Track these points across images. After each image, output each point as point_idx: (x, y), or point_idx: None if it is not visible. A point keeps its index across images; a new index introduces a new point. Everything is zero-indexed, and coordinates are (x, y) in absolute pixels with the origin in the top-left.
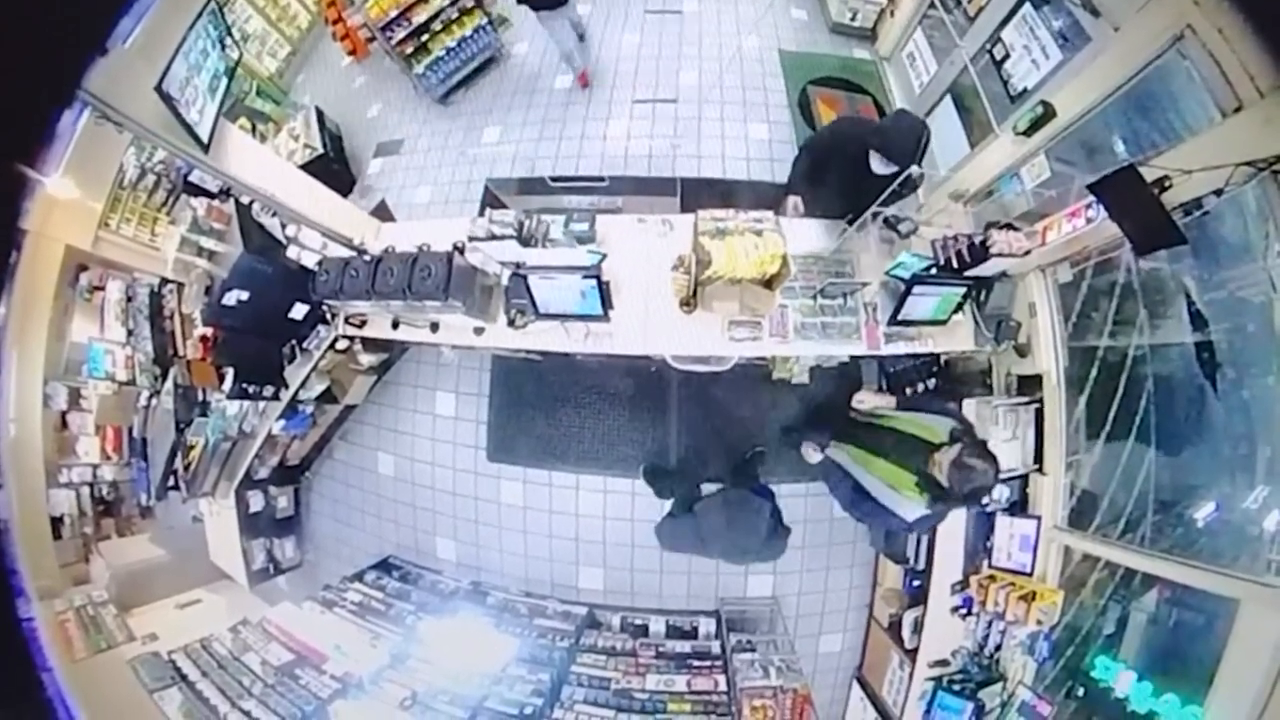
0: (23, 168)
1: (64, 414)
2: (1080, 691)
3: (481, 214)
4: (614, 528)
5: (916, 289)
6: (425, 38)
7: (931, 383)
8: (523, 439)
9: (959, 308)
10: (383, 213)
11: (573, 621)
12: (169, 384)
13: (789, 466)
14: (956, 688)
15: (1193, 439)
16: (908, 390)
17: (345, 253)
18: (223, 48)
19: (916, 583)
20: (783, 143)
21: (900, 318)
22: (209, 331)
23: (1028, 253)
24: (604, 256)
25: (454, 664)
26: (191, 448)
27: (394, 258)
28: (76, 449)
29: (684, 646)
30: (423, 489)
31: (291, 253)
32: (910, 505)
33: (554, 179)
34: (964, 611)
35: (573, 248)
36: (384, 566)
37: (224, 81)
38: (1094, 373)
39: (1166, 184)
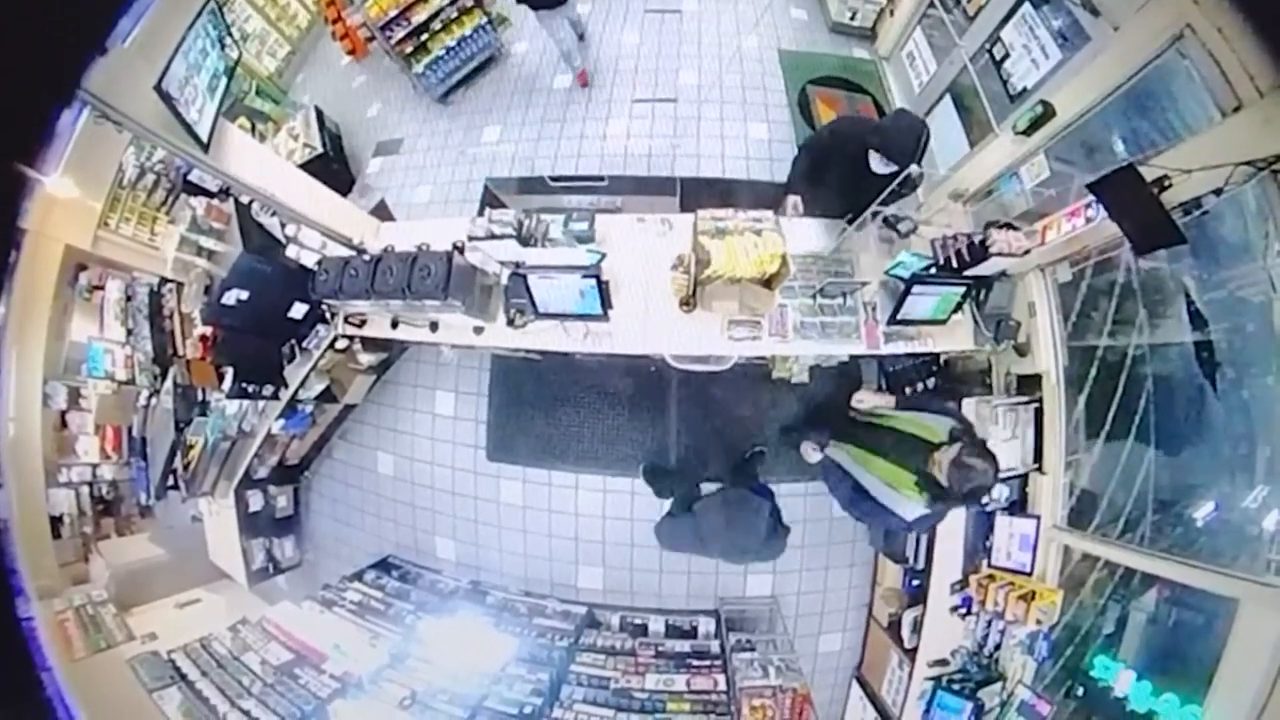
0: (22, 167)
1: (63, 413)
2: (1080, 691)
3: (481, 213)
4: (613, 527)
5: (916, 288)
6: (425, 37)
7: (931, 382)
8: (522, 438)
9: (958, 307)
10: (382, 212)
11: (572, 621)
12: (168, 383)
13: (789, 466)
14: (956, 687)
15: (1192, 438)
16: (907, 390)
17: (345, 252)
18: (222, 47)
19: (916, 582)
20: (782, 142)
21: (900, 317)
22: (208, 331)
23: (1027, 252)
24: (603, 256)
25: (453, 663)
26: (191, 447)
27: (393, 257)
28: (76, 448)
29: (683, 646)
30: (422, 488)
31: (291, 252)
32: (910, 504)
33: (553, 178)
34: (963, 611)
35: (572, 247)
36: (383, 566)
37: (223, 81)
38: (1093, 372)
39: (1166, 183)
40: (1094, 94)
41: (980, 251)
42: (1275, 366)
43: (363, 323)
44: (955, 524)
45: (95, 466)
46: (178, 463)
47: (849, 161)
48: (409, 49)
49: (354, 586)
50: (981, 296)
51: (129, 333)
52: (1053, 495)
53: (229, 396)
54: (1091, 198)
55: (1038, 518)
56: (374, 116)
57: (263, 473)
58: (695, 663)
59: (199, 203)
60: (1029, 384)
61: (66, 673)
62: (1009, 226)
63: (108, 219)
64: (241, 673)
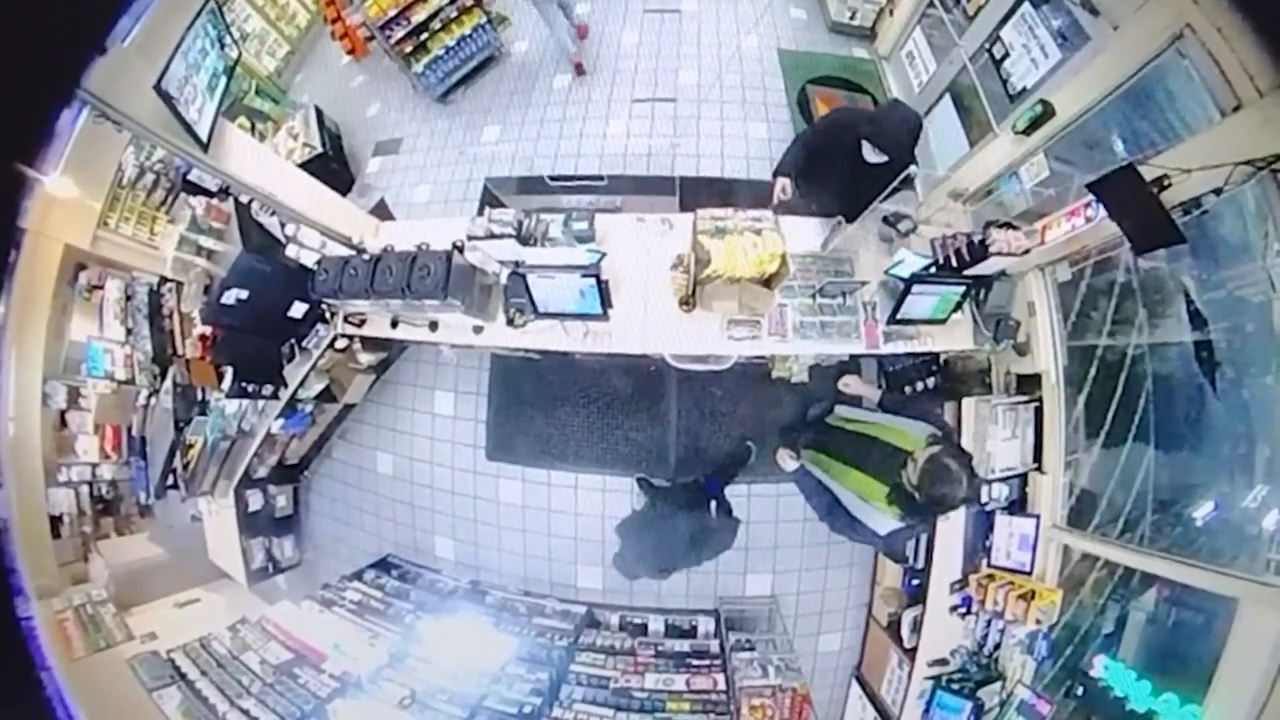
0: (22, 166)
1: (63, 413)
2: (1079, 690)
3: (480, 213)
4: (613, 527)
5: (915, 288)
6: (424, 36)
7: (930, 382)
8: (521, 438)
9: (958, 307)
10: (382, 211)
11: (571, 620)
12: (168, 383)
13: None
14: (955, 687)
15: (1192, 438)
16: (906, 389)
17: (344, 251)
18: (221, 46)
19: (915, 582)
20: (782, 142)
21: (899, 316)
22: (208, 330)
23: (1027, 252)
24: (603, 255)
25: (453, 663)
26: (190, 446)
27: (393, 256)
28: (75, 448)
29: (683, 645)
30: (421, 488)
31: (290, 251)
32: (882, 518)
33: (553, 178)
34: (963, 610)
35: (572, 247)
36: (383, 565)
37: (223, 80)
38: (1093, 372)
39: (1165, 183)
40: (1094, 93)
41: (980, 251)
42: (1275, 366)
43: (362, 322)
44: (955, 524)
45: (95, 466)
46: (177, 462)
47: (843, 152)
48: (408, 48)
49: (353, 586)
50: (981, 296)
51: (128, 332)
52: (1052, 495)
53: (228, 396)
54: (1091, 197)
55: (1037, 517)
56: (373, 116)
57: (262, 472)
58: (695, 662)
59: (198, 202)
60: (1028, 383)
61: (66, 672)
62: (1009, 226)
63: (107, 218)
64: (241, 672)
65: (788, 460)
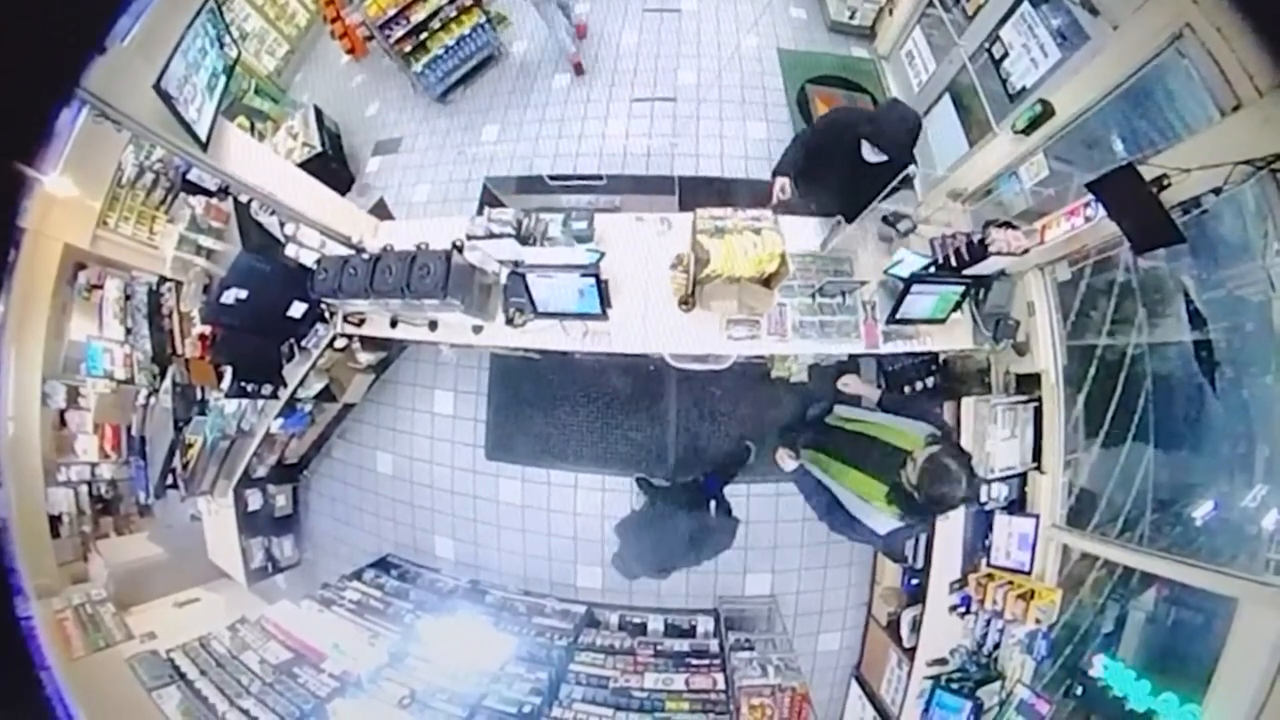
0: (21, 166)
1: (62, 412)
2: (1078, 690)
3: (480, 212)
4: (612, 526)
5: (915, 287)
6: (424, 36)
7: (930, 381)
8: (521, 437)
9: (957, 306)
10: (381, 211)
11: (571, 620)
12: (167, 382)
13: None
14: (955, 686)
15: (1191, 438)
16: (905, 389)
17: (344, 251)
18: (221, 46)
19: (915, 581)
20: (781, 142)
21: (899, 316)
22: (207, 330)
23: (1026, 251)
24: (602, 255)
25: (452, 662)
26: (190, 446)
27: (392, 256)
28: (75, 447)
29: (682, 645)
30: (421, 487)
31: (290, 251)
32: (881, 518)
33: (552, 177)
34: (962, 610)
35: (571, 246)
36: (382, 565)
37: (222, 80)
38: (1093, 371)
39: (1165, 182)
40: (1093, 93)
41: (979, 250)
42: (1274, 365)
43: (362, 321)
44: (954, 523)
45: (94, 465)
46: (177, 462)
47: (843, 152)
48: (408, 48)
49: (353, 585)
50: (980, 295)
51: (128, 331)
52: (1052, 494)
53: (228, 395)
54: (1090, 197)
55: (1037, 517)
56: (373, 115)
57: (262, 472)
58: (694, 662)
59: (198, 201)
60: (1028, 383)
61: (65, 672)
62: (1008, 225)
63: (107, 218)
64: (240, 672)
65: (787, 460)
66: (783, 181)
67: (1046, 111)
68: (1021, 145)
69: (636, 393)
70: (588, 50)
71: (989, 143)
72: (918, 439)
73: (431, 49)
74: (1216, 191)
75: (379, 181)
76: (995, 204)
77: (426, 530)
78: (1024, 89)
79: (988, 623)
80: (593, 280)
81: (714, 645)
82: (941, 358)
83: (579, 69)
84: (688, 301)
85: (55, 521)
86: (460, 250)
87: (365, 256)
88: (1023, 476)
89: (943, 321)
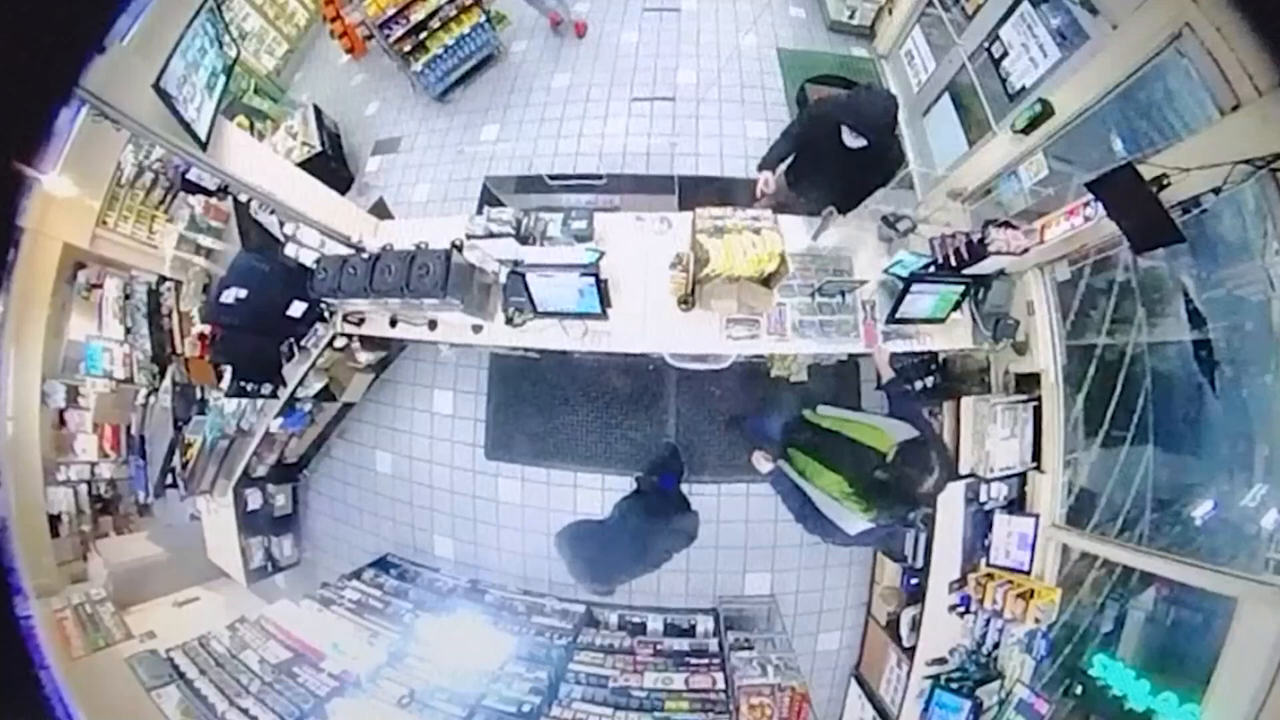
0: (20, 165)
1: (62, 412)
2: (1078, 689)
3: (480, 212)
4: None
5: (915, 287)
6: (423, 35)
7: (929, 381)
8: (521, 437)
9: (957, 306)
10: (381, 210)
11: (571, 619)
12: (167, 382)
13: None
14: (954, 686)
15: (1190, 437)
16: (906, 387)
17: (343, 250)
18: (220, 45)
19: (914, 581)
20: None
21: (898, 316)
22: (207, 329)
23: (1026, 251)
24: (602, 254)
25: (452, 662)
26: (189, 445)
27: (392, 255)
28: (74, 447)
29: (682, 644)
30: (421, 487)
31: (289, 250)
32: (852, 518)
33: (552, 177)
34: (962, 609)
35: (571, 246)
36: (382, 564)
37: (222, 79)
38: (1092, 371)
39: (1165, 182)
40: (1093, 92)
41: (979, 250)
42: (1274, 365)
43: (361, 321)
44: (954, 522)
45: (94, 465)
46: (176, 461)
47: (825, 141)
48: (407, 47)
49: (352, 585)
50: (980, 295)
51: (127, 331)
52: (1051, 494)
53: (227, 395)
54: (1090, 196)
55: (1036, 516)
56: (372, 115)
57: (261, 471)
58: (694, 661)
59: (197, 201)
60: (1028, 382)
61: (65, 671)
62: (1008, 225)
63: (106, 217)
64: (240, 671)
65: (762, 461)
66: (765, 175)
67: (1046, 111)
68: (1021, 145)
69: (636, 392)
70: (587, 49)
71: (988, 142)
72: (892, 440)
73: (431, 48)
74: (1216, 191)
75: (378, 181)
76: (995, 203)
77: (426, 530)
78: (1023, 88)
79: (987, 622)
80: (592, 280)
81: (713, 645)
82: (941, 357)
83: (580, 31)
84: (687, 301)
85: (55, 521)
86: (460, 250)
87: (365, 256)
88: (1022, 476)
89: (942, 321)
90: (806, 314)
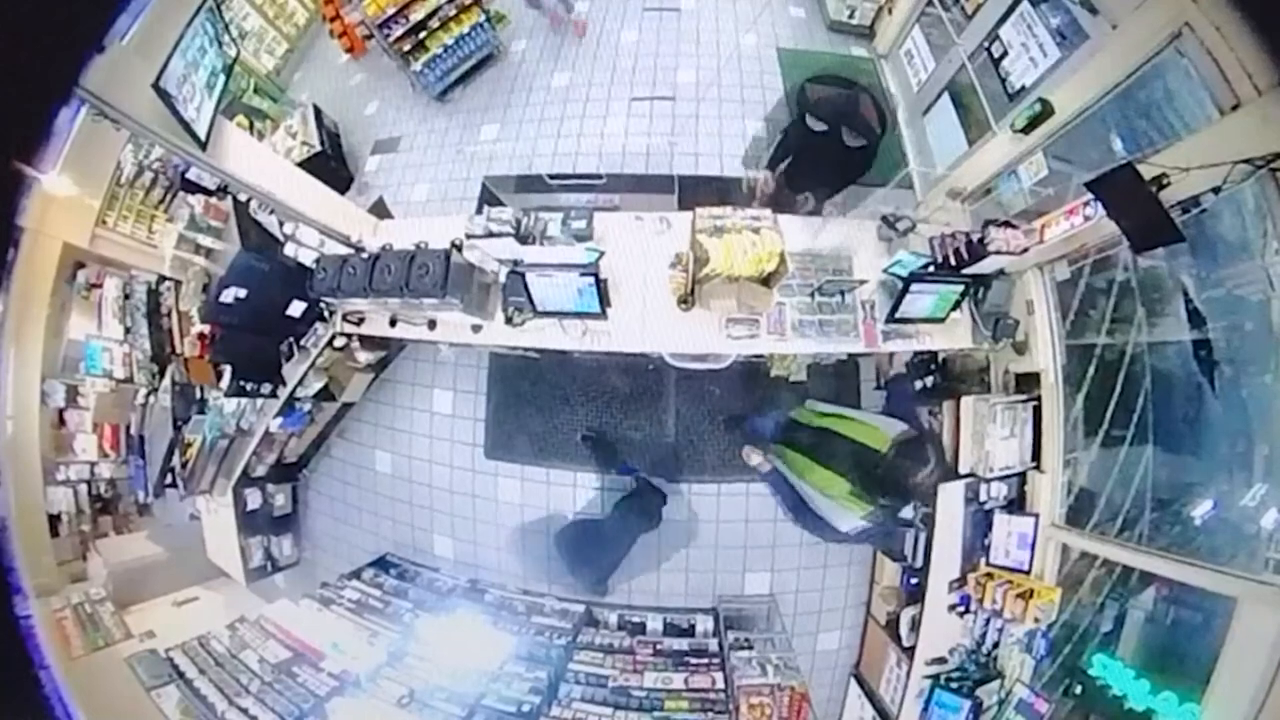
0: (20, 165)
1: (61, 411)
2: (1078, 689)
3: (479, 211)
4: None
5: (914, 287)
6: (423, 35)
7: (929, 380)
8: (520, 436)
9: (957, 305)
10: (380, 210)
11: (570, 619)
12: (166, 381)
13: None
14: (954, 685)
15: (1190, 437)
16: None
17: (343, 250)
18: (220, 45)
19: (914, 580)
20: None
21: (898, 315)
22: (206, 329)
23: (1025, 250)
24: (601, 254)
25: (451, 661)
26: (189, 445)
27: (391, 255)
28: (74, 446)
29: (681, 644)
30: (420, 486)
31: (289, 250)
32: (846, 515)
33: (552, 176)
34: (962, 609)
35: (570, 245)
36: (381, 564)
37: (221, 79)
38: (1092, 370)
39: (1164, 181)
40: (1092, 92)
41: (979, 250)
42: (1273, 364)
43: (361, 320)
44: (954, 522)
45: (93, 464)
46: (176, 461)
47: (799, 135)
48: (407, 47)
49: (352, 585)
50: (980, 295)
51: (127, 331)
52: (1051, 493)
53: (227, 394)
54: (1090, 196)
55: (1036, 516)
56: (372, 114)
57: (261, 471)
58: (693, 661)
59: (197, 200)
60: (1027, 382)
61: (64, 671)
62: (1007, 225)
63: (106, 217)
64: (240, 671)
65: (755, 458)
66: (763, 175)
67: (1046, 110)
68: (1021, 144)
69: (636, 392)
70: (586, 49)
71: (988, 142)
72: (888, 437)
73: (430, 48)
74: (1216, 190)
75: (378, 180)
76: (994, 203)
77: (425, 529)
78: (1023, 88)
79: (987, 622)
80: (592, 279)
81: (713, 644)
82: (941, 357)
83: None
84: (687, 300)
85: (54, 520)
86: (459, 249)
87: (364, 255)
88: (1022, 475)
89: (942, 321)
90: (806, 314)
